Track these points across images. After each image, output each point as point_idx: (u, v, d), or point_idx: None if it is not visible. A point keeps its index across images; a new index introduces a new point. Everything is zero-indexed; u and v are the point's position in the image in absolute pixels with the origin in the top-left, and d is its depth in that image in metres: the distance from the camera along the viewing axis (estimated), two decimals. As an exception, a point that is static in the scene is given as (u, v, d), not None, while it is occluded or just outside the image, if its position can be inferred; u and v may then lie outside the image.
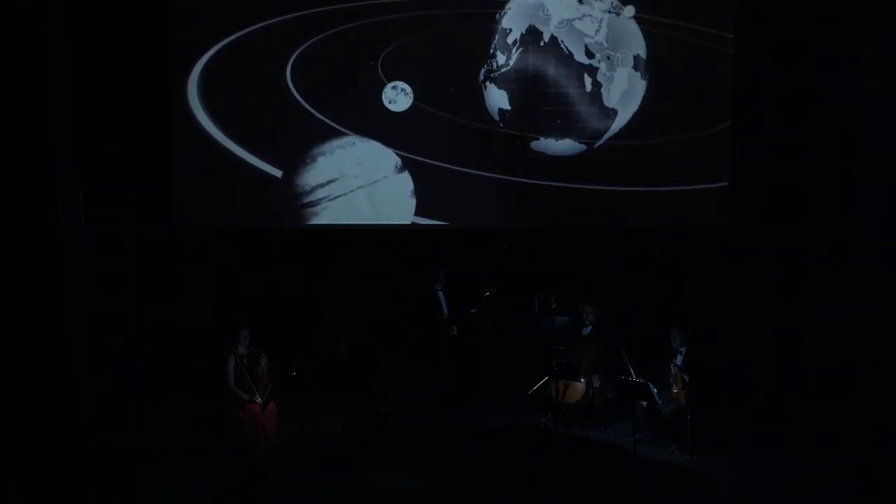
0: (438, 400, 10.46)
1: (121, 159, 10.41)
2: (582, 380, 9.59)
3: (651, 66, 10.72)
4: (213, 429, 9.14)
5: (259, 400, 8.79)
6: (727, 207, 10.74)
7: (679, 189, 10.83)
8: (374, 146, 10.96)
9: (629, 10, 10.66)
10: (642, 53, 10.71)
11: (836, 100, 9.95)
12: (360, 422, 9.55)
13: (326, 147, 10.95)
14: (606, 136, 10.84)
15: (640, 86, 10.77)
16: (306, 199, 11.03)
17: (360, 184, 10.99)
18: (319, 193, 11.03)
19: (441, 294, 10.79)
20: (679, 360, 9.17)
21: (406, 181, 10.97)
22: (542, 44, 10.76)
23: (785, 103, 10.35)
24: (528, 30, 10.77)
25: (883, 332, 9.29)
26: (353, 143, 10.96)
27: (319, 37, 10.81)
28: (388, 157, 10.97)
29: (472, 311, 10.52)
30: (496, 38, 10.80)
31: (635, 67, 10.73)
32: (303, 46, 10.82)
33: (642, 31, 10.68)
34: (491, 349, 10.64)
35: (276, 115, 10.90)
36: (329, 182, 11.00)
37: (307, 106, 10.92)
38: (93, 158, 9.57)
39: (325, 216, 11.01)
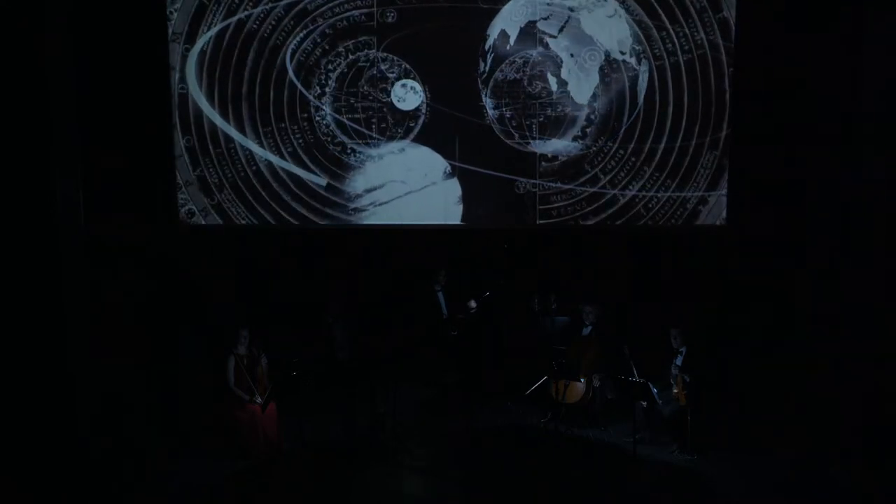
0: (438, 399, 10.46)
1: (121, 159, 10.40)
2: (582, 380, 9.59)
3: (637, 65, 10.69)
4: (214, 429, 9.16)
5: (259, 400, 8.80)
6: (728, 209, 10.74)
7: (679, 193, 10.82)
8: (424, 151, 10.96)
9: (608, 8, 10.59)
10: (616, 50, 10.65)
11: (836, 103, 9.96)
12: (360, 422, 9.58)
13: (374, 152, 10.96)
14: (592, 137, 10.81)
15: (617, 83, 10.73)
16: (353, 205, 11.05)
17: (409, 189, 11.01)
18: (366, 200, 11.05)
19: (440, 294, 10.79)
20: (679, 360, 9.17)
21: (454, 187, 10.98)
22: (508, 47, 10.72)
23: (785, 107, 10.34)
24: (499, 35, 10.73)
25: (882, 332, 9.30)
26: (403, 150, 10.95)
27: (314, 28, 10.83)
28: (437, 163, 10.96)
29: (472, 310, 10.50)
30: (479, 45, 10.78)
31: (604, 67, 10.69)
32: (299, 37, 10.81)
33: (638, 33, 10.64)
34: (491, 349, 10.63)
35: (281, 108, 10.93)
36: (375, 188, 11.04)
37: (312, 98, 10.90)
38: (93, 158, 9.59)
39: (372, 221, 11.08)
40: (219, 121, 10.93)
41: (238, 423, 8.81)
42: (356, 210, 11.02)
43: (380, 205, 11.01)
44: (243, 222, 11.04)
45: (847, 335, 9.73)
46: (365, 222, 11.01)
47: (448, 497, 8.19)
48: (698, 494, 8.24)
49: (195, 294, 10.77)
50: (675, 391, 9.07)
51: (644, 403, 8.95)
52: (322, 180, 10.98)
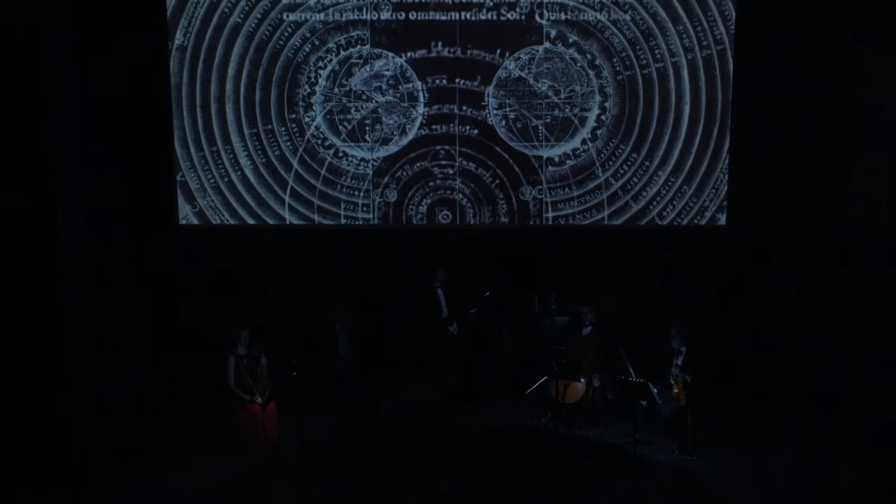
0: (438, 399, 10.44)
1: (121, 158, 10.41)
2: (582, 380, 9.58)
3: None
4: (214, 429, 9.16)
5: (259, 400, 8.80)
6: (728, 209, 10.72)
7: (678, 191, 10.76)
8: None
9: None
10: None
11: (836, 106, 10.00)
12: (360, 422, 9.58)
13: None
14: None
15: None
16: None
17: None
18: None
19: (440, 292, 10.75)
20: (679, 360, 9.16)
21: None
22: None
23: (784, 107, 10.35)
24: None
25: (882, 333, 9.32)
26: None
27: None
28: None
29: (472, 310, 10.51)
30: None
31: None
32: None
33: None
34: (491, 349, 10.62)
35: (268, 109, 10.76)
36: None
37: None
38: (94, 157, 9.62)
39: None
40: (201, 123, 10.74)
41: (238, 423, 8.81)
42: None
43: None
44: (245, 221, 10.97)
45: (847, 335, 9.76)
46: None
47: (448, 497, 8.17)
48: (698, 494, 8.23)
49: (195, 295, 10.77)
50: (675, 391, 9.06)
51: (644, 403, 8.95)
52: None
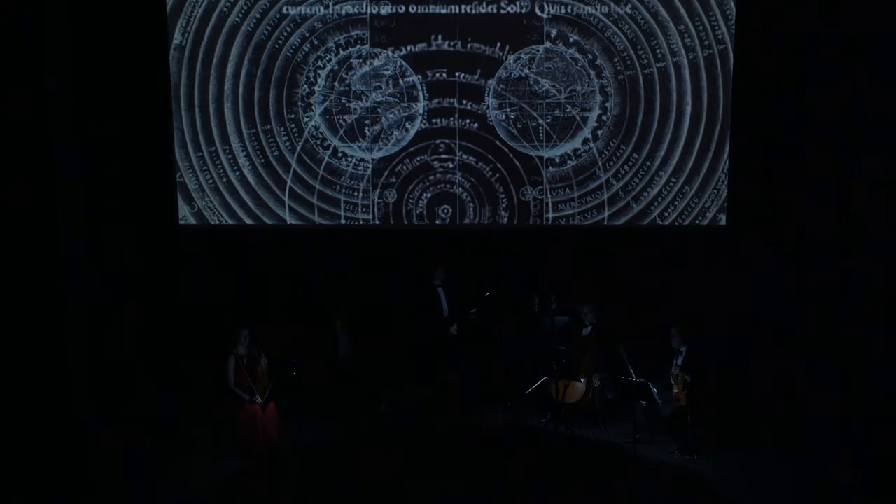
0: (438, 399, 10.45)
1: (121, 157, 10.40)
2: (582, 380, 9.60)
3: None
4: (214, 429, 9.17)
5: (259, 400, 8.81)
6: (728, 209, 10.69)
7: (680, 191, 10.73)
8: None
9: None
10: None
11: (835, 106, 9.98)
12: (360, 422, 9.59)
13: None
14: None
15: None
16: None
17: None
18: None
19: (441, 291, 10.73)
20: (679, 360, 9.18)
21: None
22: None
23: (784, 108, 10.33)
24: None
25: (882, 332, 9.32)
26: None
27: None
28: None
29: (473, 310, 10.50)
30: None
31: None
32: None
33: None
34: (491, 349, 10.62)
35: (266, 109, 10.69)
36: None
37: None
38: (94, 157, 9.59)
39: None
40: (199, 123, 10.67)
41: (238, 423, 8.82)
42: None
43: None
44: (245, 221, 10.93)
45: (847, 335, 9.76)
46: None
47: (448, 497, 8.19)
48: (698, 494, 8.26)
49: (195, 295, 10.76)
50: (675, 391, 9.08)
51: (644, 403, 8.97)
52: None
